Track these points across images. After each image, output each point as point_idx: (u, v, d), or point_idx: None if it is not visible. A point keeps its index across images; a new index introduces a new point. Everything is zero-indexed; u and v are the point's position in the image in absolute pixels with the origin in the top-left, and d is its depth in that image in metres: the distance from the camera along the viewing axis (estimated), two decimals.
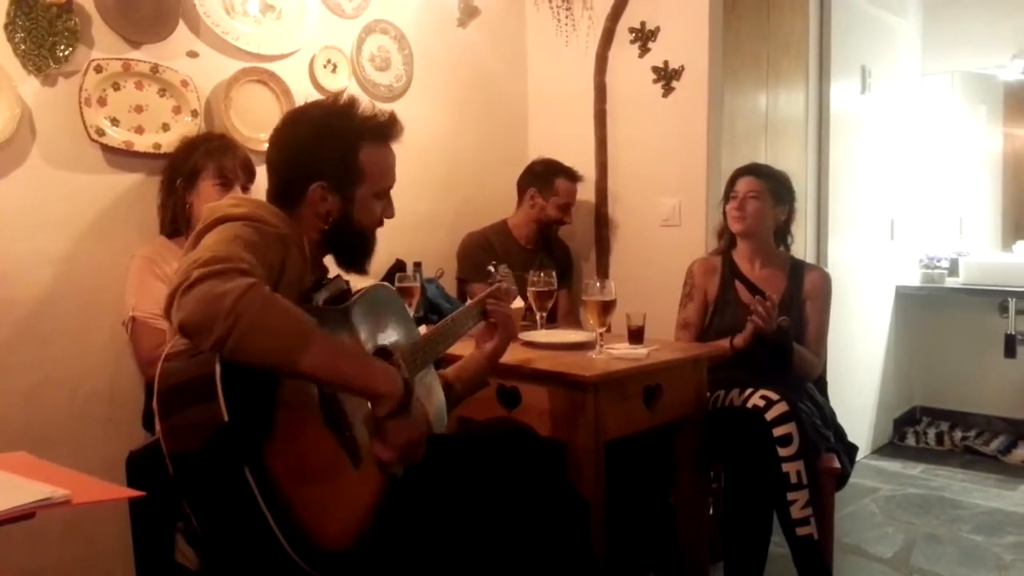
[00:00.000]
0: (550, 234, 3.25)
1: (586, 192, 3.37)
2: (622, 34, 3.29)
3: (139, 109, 2.37)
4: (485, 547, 1.58)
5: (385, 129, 1.67)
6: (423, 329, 1.99)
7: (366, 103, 1.68)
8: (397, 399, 1.44)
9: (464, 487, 1.60)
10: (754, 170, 2.71)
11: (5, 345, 2.17)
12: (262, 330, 1.26)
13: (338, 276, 1.71)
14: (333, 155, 1.61)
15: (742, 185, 2.67)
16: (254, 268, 1.32)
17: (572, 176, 3.18)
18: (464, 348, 2.04)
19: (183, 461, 1.31)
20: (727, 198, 2.72)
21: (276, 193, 1.64)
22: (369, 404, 1.50)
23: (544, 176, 3.16)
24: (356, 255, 1.70)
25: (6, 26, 2.13)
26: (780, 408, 2.23)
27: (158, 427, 1.32)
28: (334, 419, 1.46)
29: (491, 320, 1.96)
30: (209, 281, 1.25)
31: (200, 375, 1.29)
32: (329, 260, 1.73)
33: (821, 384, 2.72)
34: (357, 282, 1.77)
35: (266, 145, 2.65)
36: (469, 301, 2.02)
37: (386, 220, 1.73)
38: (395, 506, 1.50)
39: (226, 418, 1.26)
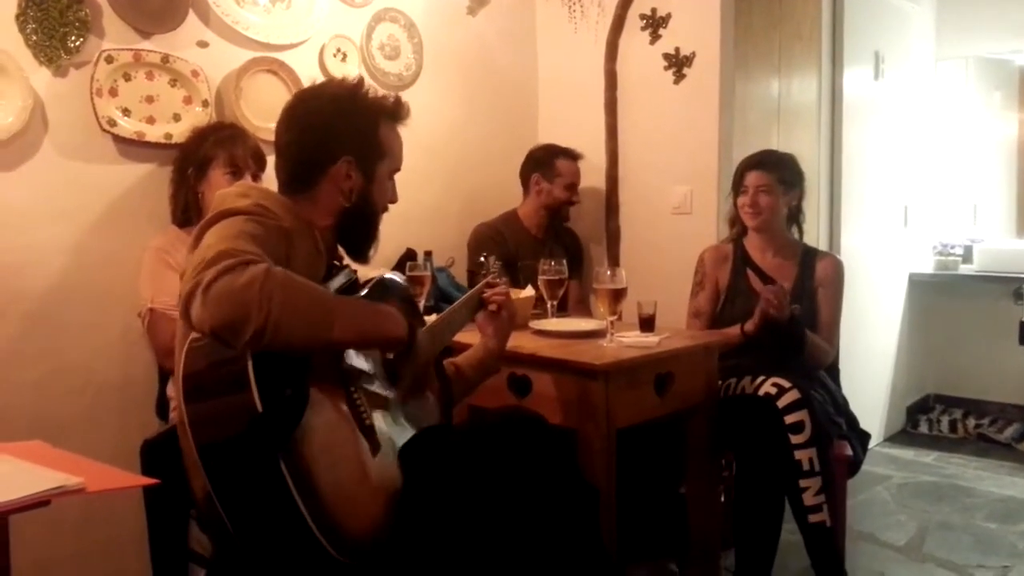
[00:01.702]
0: (560, 218, 3.24)
1: (596, 180, 3.36)
2: (633, 21, 3.27)
3: (150, 99, 2.37)
4: (496, 535, 1.58)
5: (397, 109, 1.67)
6: (431, 319, 1.99)
7: (371, 85, 1.68)
8: (406, 340, 1.52)
9: (475, 475, 1.60)
10: (761, 162, 2.68)
11: (18, 335, 2.18)
12: (294, 309, 1.26)
13: (347, 265, 1.71)
14: (358, 129, 1.61)
15: (751, 179, 2.64)
16: (261, 257, 1.31)
17: (572, 155, 3.19)
18: (472, 337, 2.04)
19: (213, 450, 1.30)
20: (737, 190, 2.70)
21: (289, 178, 1.62)
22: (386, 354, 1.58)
23: (544, 160, 3.17)
24: (363, 240, 1.69)
25: (17, 17, 2.14)
26: (792, 395, 2.23)
27: (184, 412, 1.32)
28: (355, 407, 1.47)
29: (490, 305, 1.95)
30: (224, 279, 1.23)
31: (230, 361, 1.29)
32: None
33: (833, 371, 2.71)
34: (365, 272, 1.77)
35: None
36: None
37: (393, 209, 1.73)
38: (409, 495, 1.51)
39: (260, 408, 1.26)
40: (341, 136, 1.60)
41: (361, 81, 1.66)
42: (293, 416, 1.31)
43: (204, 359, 1.34)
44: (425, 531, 1.51)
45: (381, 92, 1.68)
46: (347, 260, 1.74)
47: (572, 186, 3.17)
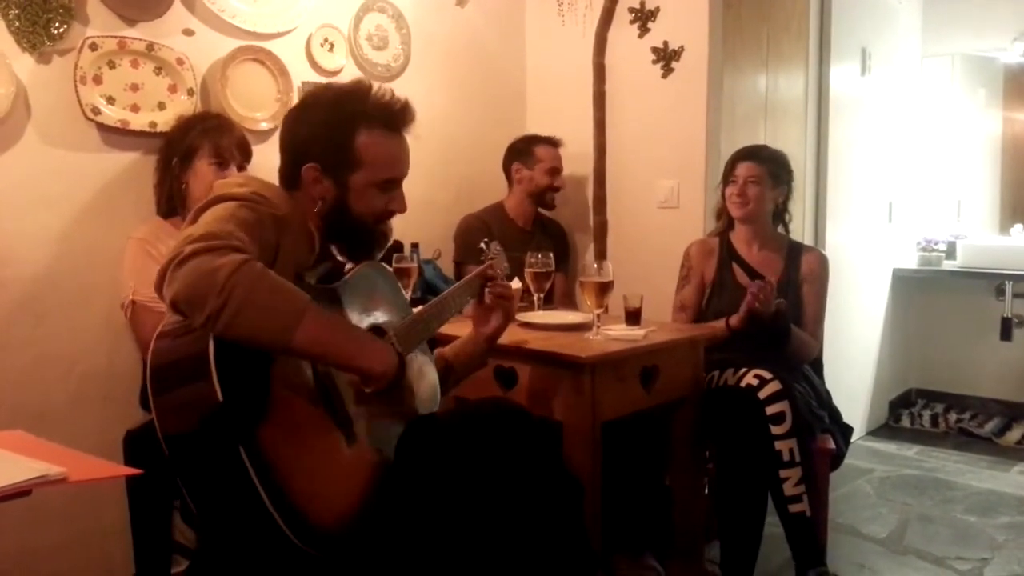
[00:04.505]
0: (545, 205, 3.24)
1: (584, 173, 3.36)
2: (622, 14, 3.27)
3: (135, 88, 2.35)
4: (479, 527, 1.59)
5: (391, 116, 1.63)
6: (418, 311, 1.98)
7: (385, 89, 1.65)
8: (389, 378, 1.46)
9: (459, 467, 1.60)
10: (753, 154, 2.70)
11: (1, 324, 2.16)
12: (254, 306, 1.27)
13: (334, 256, 1.70)
14: (326, 137, 1.59)
15: (742, 170, 2.66)
16: (247, 246, 1.33)
17: (551, 141, 3.20)
18: (459, 328, 2.03)
19: (177, 441, 1.31)
20: (726, 181, 2.72)
21: (282, 173, 1.65)
22: (360, 379, 1.50)
23: (523, 149, 3.19)
24: (357, 245, 1.68)
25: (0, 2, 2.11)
26: (773, 387, 2.24)
27: (152, 405, 1.32)
28: (327, 396, 1.46)
29: (490, 301, 1.94)
30: (202, 256, 1.26)
31: (193, 353, 1.29)
32: None
33: (817, 366, 2.73)
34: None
35: (262, 124, 2.66)
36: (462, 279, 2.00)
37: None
38: (389, 485, 1.51)
39: (220, 398, 1.26)
40: (310, 143, 1.60)
41: (365, 87, 1.63)
42: (254, 406, 1.31)
43: (168, 353, 1.35)
44: (407, 521, 1.51)
45: (390, 97, 1.64)
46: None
47: (553, 171, 3.17)
